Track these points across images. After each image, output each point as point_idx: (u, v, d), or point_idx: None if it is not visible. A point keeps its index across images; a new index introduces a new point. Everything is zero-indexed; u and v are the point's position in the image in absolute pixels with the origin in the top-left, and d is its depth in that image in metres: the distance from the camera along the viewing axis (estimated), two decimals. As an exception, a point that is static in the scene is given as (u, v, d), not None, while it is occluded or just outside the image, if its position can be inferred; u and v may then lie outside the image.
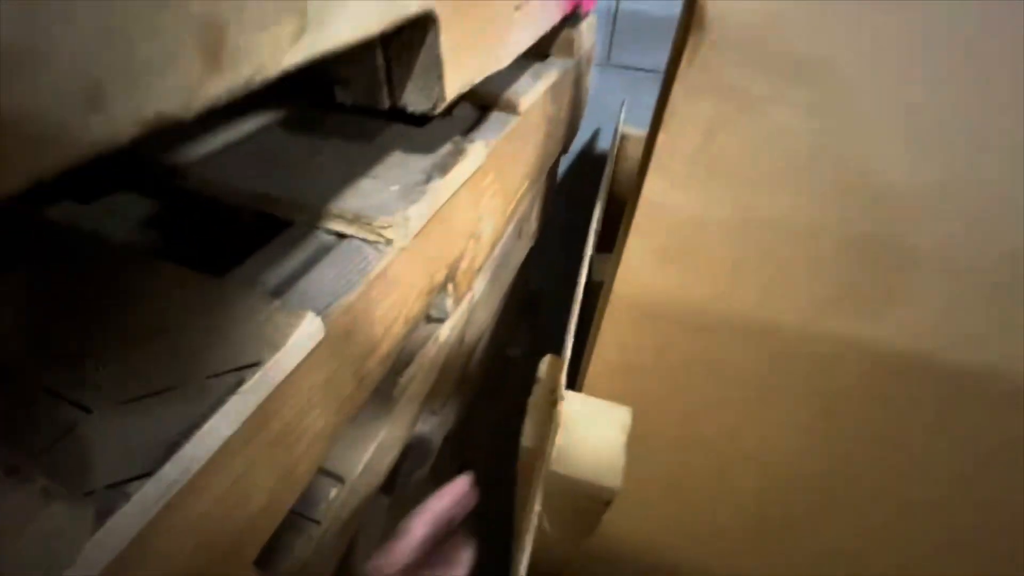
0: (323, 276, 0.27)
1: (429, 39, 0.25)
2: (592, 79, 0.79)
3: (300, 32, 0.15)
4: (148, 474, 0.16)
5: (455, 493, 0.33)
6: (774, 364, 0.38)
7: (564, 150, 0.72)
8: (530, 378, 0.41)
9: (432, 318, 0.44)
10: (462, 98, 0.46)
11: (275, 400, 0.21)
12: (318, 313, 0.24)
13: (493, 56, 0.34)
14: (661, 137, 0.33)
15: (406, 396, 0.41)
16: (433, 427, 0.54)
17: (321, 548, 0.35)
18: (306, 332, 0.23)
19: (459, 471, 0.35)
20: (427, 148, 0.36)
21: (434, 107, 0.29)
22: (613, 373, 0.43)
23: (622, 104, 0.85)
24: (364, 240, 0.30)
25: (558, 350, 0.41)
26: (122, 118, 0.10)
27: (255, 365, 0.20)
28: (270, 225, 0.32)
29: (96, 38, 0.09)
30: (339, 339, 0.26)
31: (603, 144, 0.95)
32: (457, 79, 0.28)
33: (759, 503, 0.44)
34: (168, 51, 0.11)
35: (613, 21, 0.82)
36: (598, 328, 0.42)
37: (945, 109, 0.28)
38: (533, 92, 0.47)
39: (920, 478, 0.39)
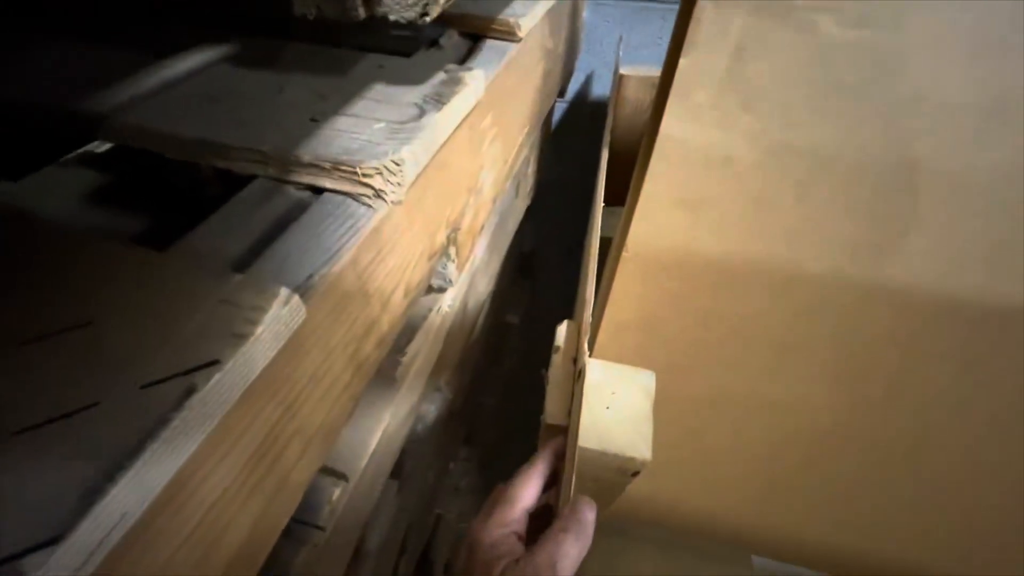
0: (297, 242, 0.21)
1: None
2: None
3: None
4: (57, 539, 0.11)
5: (554, 448, 0.30)
6: (798, 314, 0.36)
7: (561, 93, 0.65)
8: (529, 343, 0.38)
9: (432, 287, 0.38)
10: (447, 25, 0.38)
11: (244, 409, 0.16)
12: (295, 289, 0.18)
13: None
14: (682, 63, 0.29)
15: (410, 376, 0.36)
16: (437, 404, 0.49)
17: (327, 554, 0.30)
18: (280, 315, 0.17)
19: (464, 445, 0.32)
20: (415, 80, 0.29)
21: (425, 12, 0.22)
22: (627, 331, 0.41)
23: (619, 40, 0.77)
24: (347, 194, 0.24)
25: (554, 314, 0.38)
26: None
27: (211, 365, 0.14)
28: (228, 186, 0.25)
29: None
30: (326, 320, 0.20)
31: (597, 90, 0.87)
32: (453, -29, 0.21)
33: (776, 455, 0.44)
34: None
35: (607, -58, 0.73)
36: (609, 284, 0.39)
37: (1017, 17, 0.24)
38: (532, 15, 0.39)
39: (944, 424, 0.38)
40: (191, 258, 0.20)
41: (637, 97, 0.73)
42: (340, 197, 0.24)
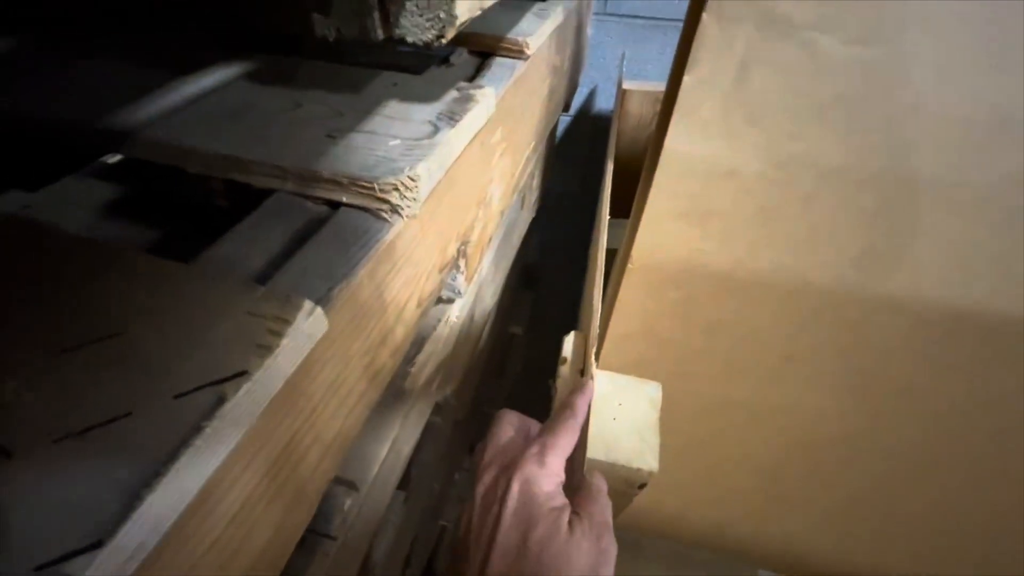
0: (316, 255, 0.22)
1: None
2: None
3: None
4: (100, 543, 0.11)
5: (588, 396, 0.31)
6: (804, 325, 0.36)
7: (566, 108, 0.66)
8: (533, 355, 0.38)
9: (441, 298, 0.39)
10: (458, 43, 0.39)
11: (270, 417, 0.16)
12: (316, 301, 0.19)
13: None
14: (686, 79, 0.29)
15: (419, 385, 0.36)
16: (443, 413, 0.50)
17: (338, 564, 0.30)
18: (304, 327, 0.17)
19: (469, 455, 0.32)
20: (428, 97, 0.30)
21: (441, 34, 0.23)
22: (631, 342, 0.41)
23: (622, 56, 0.78)
24: (364, 209, 0.25)
25: (557, 326, 0.38)
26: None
27: (240, 376, 0.15)
28: (247, 201, 0.26)
29: None
30: (344, 331, 0.21)
31: (600, 104, 0.88)
32: (469, -5, 0.22)
33: (780, 465, 0.44)
34: None
35: (610, -38, 0.75)
36: (614, 296, 0.39)
37: (1017, 32, 0.24)
38: (540, 33, 0.40)
39: (951, 435, 0.38)
40: (215, 270, 0.20)
41: (640, 111, 0.74)
42: (357, 211, 0.24)
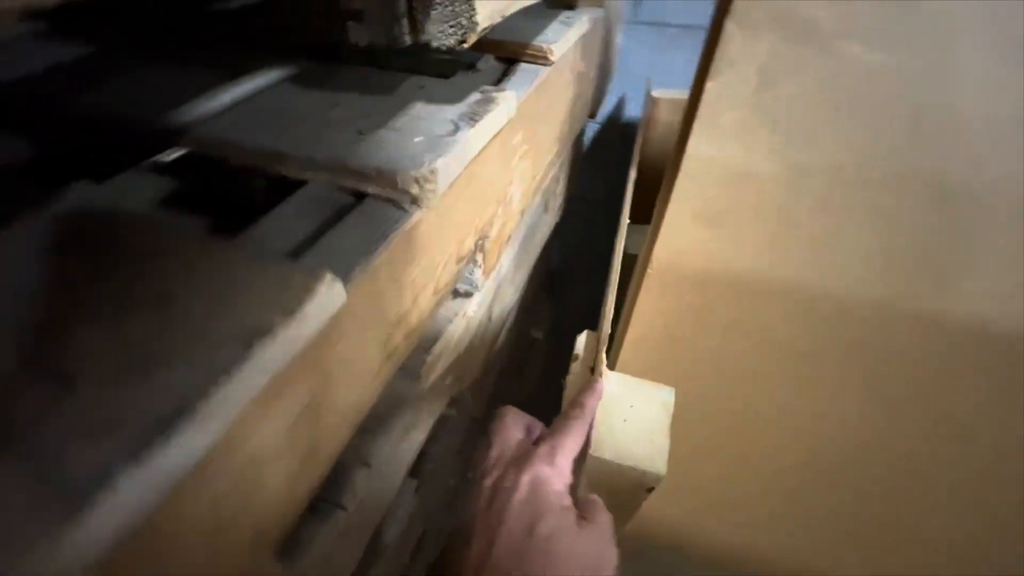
0: (342, 240, 0.24)
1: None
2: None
3: None
4: (139, 458, 0.13)
5: (598, 395, 0.31)
6: (822, 331, 0.36)
7: (592, 115, 0.67)
8: (553, 359, 0.38)
9: (459, 292, 0.41)
10: (485, 50, 0.42)
11: (291, 372, 0.18)
12: (339, 276, 0.21)
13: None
14: (709, 85, 0.30)
15: (434, 375, 0.38)
16: (460, 408, 0.51)
17: (347, 536, 0.32)
18: (325, 296, 0.19)
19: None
20: (452, 99, 0.32)
21: (463, 40, 0.25)
22: (648, 345, 0.41)
23: (651, 64, 0.79)
24: (387, 199, 0.27)
25: (579, 330, 0.39)
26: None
27: (267, 332, 0.17)
28: (283, 190, 0.29)
29: None
30: (363, 306, 0.23)
31: (629, 112, 0.89)
32: (489, 3, 0.24)
33: (799, 471, 0.43)
34: None
35: (641, -27, 0.76)
36: (633, 299, 0.39)
37: None
38: (564, 41, 0.42)
39: (971, 444, 0.37)
40: (253, 247, 0.23)
41: (668, 119, 0.74)
42: (381, 202, 0.27)
